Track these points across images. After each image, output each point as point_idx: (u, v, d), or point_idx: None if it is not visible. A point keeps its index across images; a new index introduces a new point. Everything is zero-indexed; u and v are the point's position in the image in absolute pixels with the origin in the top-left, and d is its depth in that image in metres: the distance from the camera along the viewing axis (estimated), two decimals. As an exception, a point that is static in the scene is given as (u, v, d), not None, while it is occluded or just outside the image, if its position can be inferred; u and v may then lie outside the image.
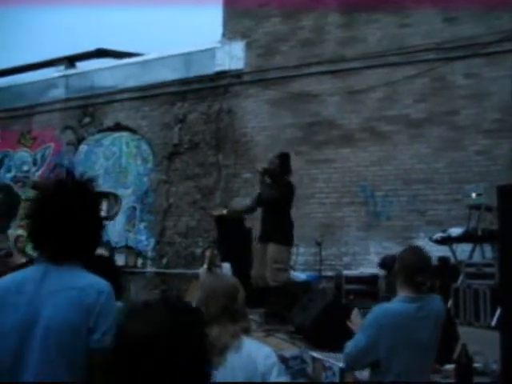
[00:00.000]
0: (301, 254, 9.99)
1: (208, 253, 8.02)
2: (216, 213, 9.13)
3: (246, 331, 2.60)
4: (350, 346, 3.29)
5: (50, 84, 13.75)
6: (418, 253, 3.40)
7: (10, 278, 2.22)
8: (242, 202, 10.84)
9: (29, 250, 10.99)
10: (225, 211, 8.12)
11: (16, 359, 2.04)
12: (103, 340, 2.04)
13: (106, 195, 11.30)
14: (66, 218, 2.15)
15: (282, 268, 6.98)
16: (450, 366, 3.99)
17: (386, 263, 7.55)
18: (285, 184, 7.16)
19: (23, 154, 14.02)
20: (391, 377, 3.15)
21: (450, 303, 7.07)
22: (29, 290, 2.10)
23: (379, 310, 3.30)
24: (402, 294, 3.29)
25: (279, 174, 7.20)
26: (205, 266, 7.21)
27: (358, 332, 3.32)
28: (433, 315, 3.29)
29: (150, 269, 11.73)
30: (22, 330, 2.04)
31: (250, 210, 7.81)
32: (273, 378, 2.46)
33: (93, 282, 2.14)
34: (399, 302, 3.29)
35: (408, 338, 3.17)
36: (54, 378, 2.02)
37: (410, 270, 3.26)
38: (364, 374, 4.11)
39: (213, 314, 2.51)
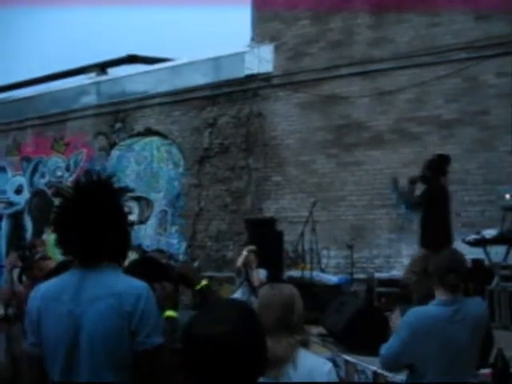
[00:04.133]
0: (332, 256, 9.96)
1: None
2: None
3: (304, 344, 2.53)
4: (385, 347, 3.31)
5: (82, 91, 13.95)
6: (448, 253, 3.45)
7: (47, 286, 2.26)
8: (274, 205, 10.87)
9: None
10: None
11: (65, 369, 2.09)
12: (147, 341, 2.10)
13: (128, 191, 11.23)
14: (90, 219, 2.16)
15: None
16: (485, 371, 3.94)
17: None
18: (434, 188, 6.93)
19: (57, 160, 14.26)
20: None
21: (484, 306, 6.99)
22: (67, 298, 2.12)
23: (413, 313, 3.30)
24: (438, 297, 3.28)
25: (431, 177, 6.98)
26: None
27: (393, 334, 3.33)
28: (470, 318, 3.24)
29: (181, 272, 11.78)
30: (68, 340, 2.08)
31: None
32: None
33: (131, 287, 2.16)
34: (435, 306, 3.28)
35: (443, 343, 3.14)
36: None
37: (442, 270, 3.27)
38: (397, 378, 4.09)
39: (266, 325, 2.48)
